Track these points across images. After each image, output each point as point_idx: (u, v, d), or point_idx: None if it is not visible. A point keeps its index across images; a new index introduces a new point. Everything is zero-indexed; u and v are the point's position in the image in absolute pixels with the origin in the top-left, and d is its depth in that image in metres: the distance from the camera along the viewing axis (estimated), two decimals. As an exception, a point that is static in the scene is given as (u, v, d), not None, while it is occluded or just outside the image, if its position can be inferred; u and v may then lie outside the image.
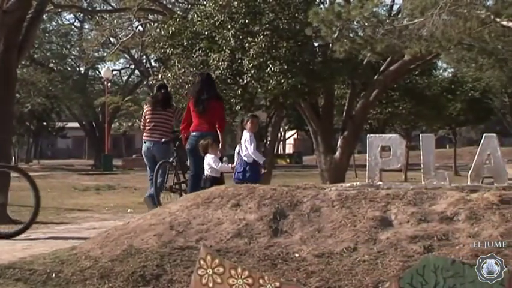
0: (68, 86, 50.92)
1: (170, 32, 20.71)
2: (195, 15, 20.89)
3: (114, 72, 57.90)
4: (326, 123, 23.40)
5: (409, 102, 32.23)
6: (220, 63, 19.14)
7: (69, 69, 55.20)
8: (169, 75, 20.36)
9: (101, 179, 30.31)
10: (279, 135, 56.73)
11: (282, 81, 18.87)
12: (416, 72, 29.50)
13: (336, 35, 14.34)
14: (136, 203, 16.57)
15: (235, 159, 11.22)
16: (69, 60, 55.47)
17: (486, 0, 13.69)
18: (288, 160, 64.56)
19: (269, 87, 19.14)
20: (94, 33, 44.59)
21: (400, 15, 17.98)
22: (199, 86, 11.63)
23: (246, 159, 10.92)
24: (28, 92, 49.61)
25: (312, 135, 24.13)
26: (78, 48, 52.49)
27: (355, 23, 14.41)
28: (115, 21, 36.77)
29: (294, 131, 69.94)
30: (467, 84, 38.79)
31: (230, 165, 11.25)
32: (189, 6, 29.25)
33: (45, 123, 59.54)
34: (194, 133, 11.39)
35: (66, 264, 6.56)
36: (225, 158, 11.57)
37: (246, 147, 10.95)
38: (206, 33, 20.10)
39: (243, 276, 5.22)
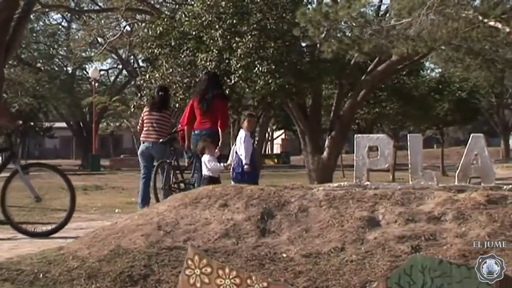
0: (55, 86, 50.80)
1: (158, 32, 20.73)
2: (183, 15, 20.91)
3: (102, 72, 57.78)
4: (314, 123, 23.45)
5: (397, 102, 32.23)
6: (208, 63, 19.16)
7: (56, 69, 55.08)
8: (156, 75, 20.38)
9: (88, 179, 30.14)
10: (267, 135, 56.83)
11: (270, 81, 18.90)
12: (404, 73, 29.52)
13: (323, 35, 14.39)
14: (124, 203, 16.51)
15: (231, 158, 11.22)
16: (57, 60, 55.38)
17: (473, 0, 13.76)
18: (275, 160, 64.63)
19: (257, 88, 19.18)
20: (81, 33, 44.60)
21: (387, 16, 18.03)
22: (204, 84, 11.81)
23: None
24: (15, 92, 49.50)
25: (300, 135, 24.16)
26: (65, 48, 52.42)
27: (342, 23, 14.46)
28: (102, 21, 36.80)
29: (282, 131, 69.98)
30: (454, 85, 38.85)
31: (222, 164, 11.26)
32: (177, 6, 29.28)
33: (32, 123, 59.32)
34: (196, 131, 11.57)
35: (54, 264, 6.53)
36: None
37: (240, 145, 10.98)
38: (194, 33, 20.12)
39: (230, 277, 5.21)
